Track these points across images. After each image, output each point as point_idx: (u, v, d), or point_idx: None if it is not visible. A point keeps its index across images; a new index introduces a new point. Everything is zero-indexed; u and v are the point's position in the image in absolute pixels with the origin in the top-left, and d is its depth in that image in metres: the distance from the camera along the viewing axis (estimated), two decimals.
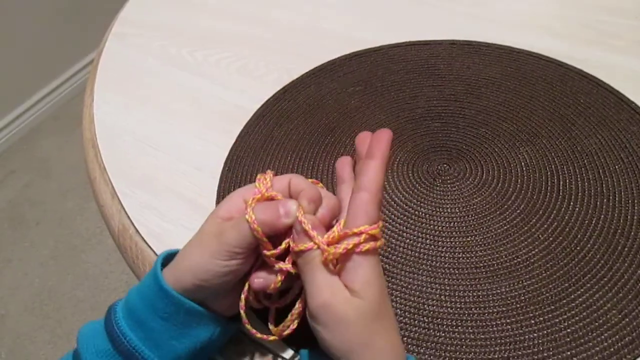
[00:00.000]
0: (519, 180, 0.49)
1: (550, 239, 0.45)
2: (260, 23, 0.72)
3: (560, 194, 0.48)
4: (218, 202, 0.50)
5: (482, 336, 0.40)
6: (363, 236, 0.32)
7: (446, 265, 0.44)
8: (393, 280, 0.43)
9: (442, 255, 0.44)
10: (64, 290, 1.40)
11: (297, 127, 0.57)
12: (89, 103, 0.64)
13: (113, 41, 0.72)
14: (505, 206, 0.47)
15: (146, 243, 0.48)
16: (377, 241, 0.33)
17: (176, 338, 0.36)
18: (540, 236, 0.45)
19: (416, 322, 0.41)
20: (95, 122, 0.61)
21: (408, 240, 0.46)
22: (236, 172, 0.53)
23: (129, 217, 0.50)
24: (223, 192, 0.51)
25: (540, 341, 0.39)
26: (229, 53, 0.68)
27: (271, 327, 0.37)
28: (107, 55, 0.70)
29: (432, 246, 0.45)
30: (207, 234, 0.36)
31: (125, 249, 0.50)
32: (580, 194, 0.48)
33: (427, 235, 0.46)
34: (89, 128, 0.61)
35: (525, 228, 0.46)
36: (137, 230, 0.49)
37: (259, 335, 0.37)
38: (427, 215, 0.47)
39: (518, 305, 0.41)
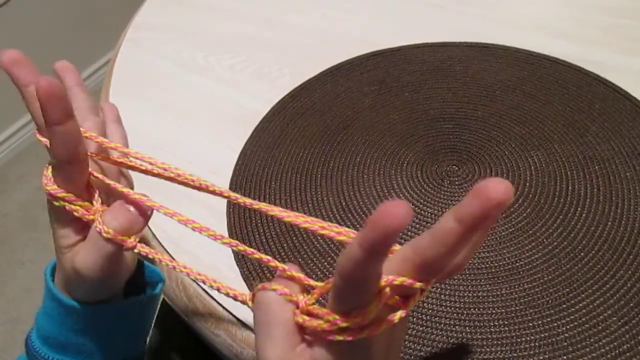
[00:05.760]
0: (528, 184, 0.49)
1: (555, 243, 0.45)
2: (274, 27, 0.72)
3: (568, 199, 0.48)
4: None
5: (479, 337, 0.40)
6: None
7: None
8: None
9: None
10: None
11: (310, 124, 0.58)
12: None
13: (127, 46, 0.73)
14: (512, 209, 0.48)
15: (163, 247, 0.49)
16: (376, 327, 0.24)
17: (107, 341, 0.35)
18: (544, 240, 0.45)
19: (415, 319, 0.41)
20: None
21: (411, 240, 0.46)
22: (249, 167, 0.54)
23: None
24: (235, 186, 0.53)
25: (537, 344, 0.39)
26: (243, 57, 0.68)
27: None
28: (122, 59, 0.71)
29: None
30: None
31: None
32: (588, 200, 0.47)
33: None
34: None
35: (530, 232, 0.46)
36: (153, 234, 0.50)
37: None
38: (433, 216, 0.48)
39: (517, 308, 0.41)
